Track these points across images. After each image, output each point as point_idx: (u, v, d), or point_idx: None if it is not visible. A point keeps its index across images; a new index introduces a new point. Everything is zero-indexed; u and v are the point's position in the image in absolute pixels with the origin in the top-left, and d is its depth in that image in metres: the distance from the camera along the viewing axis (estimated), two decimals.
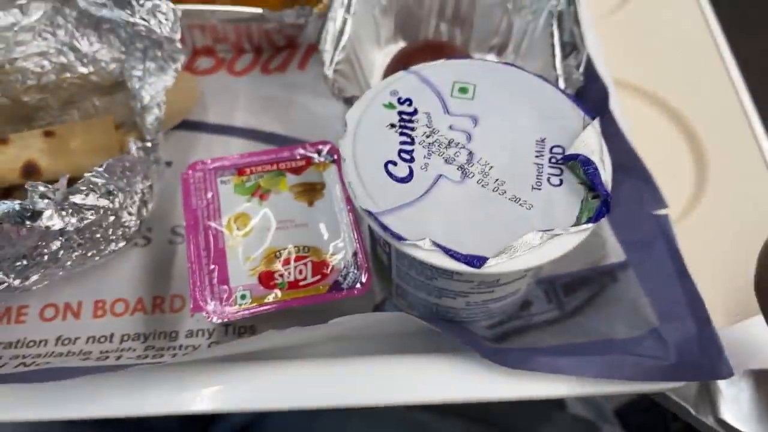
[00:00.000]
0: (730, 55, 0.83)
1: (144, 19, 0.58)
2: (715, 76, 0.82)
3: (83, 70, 0.63)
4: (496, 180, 0.51)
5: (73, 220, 0.47)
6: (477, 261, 0.46)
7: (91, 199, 0.48)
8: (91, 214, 0.48)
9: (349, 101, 0.64)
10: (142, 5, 0.59)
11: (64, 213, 0.46)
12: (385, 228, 0.47)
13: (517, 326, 0.59)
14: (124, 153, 0.65)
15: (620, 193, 0.61)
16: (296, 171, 0.62)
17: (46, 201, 0.45)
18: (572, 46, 0.68)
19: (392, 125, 0.53)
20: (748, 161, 0.75)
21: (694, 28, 0.87)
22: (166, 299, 0.61)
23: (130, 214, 0.56)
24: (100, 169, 0.52)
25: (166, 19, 0.59)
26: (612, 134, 0.65)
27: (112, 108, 0.68)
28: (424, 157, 0.51)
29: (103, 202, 0.49)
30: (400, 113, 0.54)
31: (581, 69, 0.64)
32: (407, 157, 0.51)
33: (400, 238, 0.47)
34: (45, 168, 0.60)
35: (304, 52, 0.81)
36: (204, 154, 0.71)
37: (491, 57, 0.81)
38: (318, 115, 0.75)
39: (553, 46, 0.69)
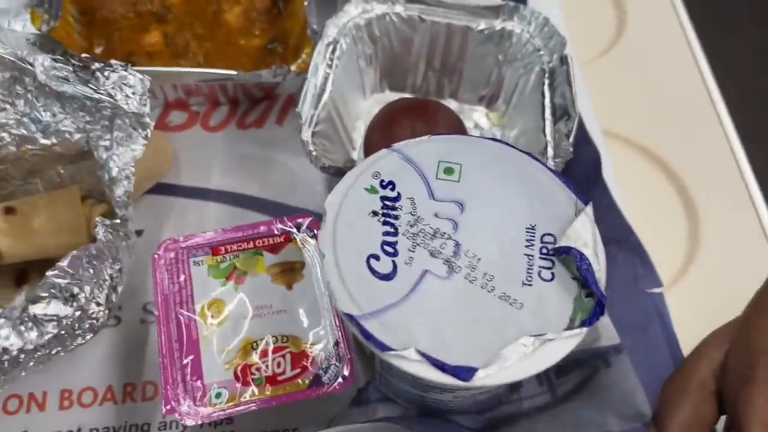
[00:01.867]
0: (724, 107, 0.82)
1: (110, 95, 0.56)
2: (708, 129, 0.81)
3: (45, 141, 0.61)
4: (485, 275, 0.49)
5: (33, 335, 0.44)
6: (465, 373, 0.45)
7: (53, 308, 0.46)
8: (53, 327, 0.46)
9: (326, 170, 0.62)
10: (107, 77, 0.57)
11: (23, 328, 0.44)
12: (368, 336, 0.46)
13: (507, 413, 0.58)
14: (91, 230, 0.63)
15: (614, 269, 0.60)
16: (274, 249, 0.60)
17: (1, 320, 0.43)
18: (563, 110, 0.66)
19: (374, 213, 0.52)
20: (742, 221, 0.74)
21: (686, 73, 0.86)
22: (137, 386, 0.59)
23: (98, 304, 0.54)
24: (64, 264, 0.50)
25: (134, 93, 0.57)
26: (605, 205, 0.63)
27: (78, 176, 0.66)
28: (409, 249, 0.50)
29: (67, 311, 0.46)
30: (383, 198, 0.52)
31: (572, 138, 0.62)
32: (391, 250, 0.50)
33: (384, 347, 0.45)
34: (5, 252, 0.58)
35: (282, 104, 0.79)
36: (177, 221, 0.69)
37: (480, 108, 0.79)
38: (297, 174, 0.73)
39: (543, 106, 0.68)
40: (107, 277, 0.55)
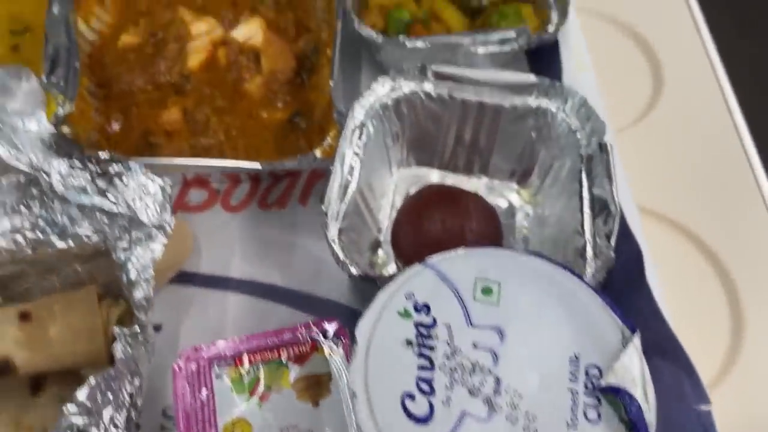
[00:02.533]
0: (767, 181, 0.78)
1: (129, 206, 0.53)
2: (752, 208, 0.77)
3: (62, 244, 0.59)
4: (527, 414, 0.47)
5: None
6: None
7: None
8: None
9: (355, 278, 0.59)
10: (126, 184, 0.55)
11: None
12: None
13: None
14: (108, 334, 0.61)
15: (659, 383, 0.57)
16: (300, 360, 0.58)
17: None
18: (602, 204, 0.63)
19: (409, 342, 0.49)
20: None
21: (727, 145, 0.82)
22: None
23: (116, 426, 0.51)
24: (83, 398, 0.48)
25: (154, 201, 0.54)
26: (649, 312, 0.60)
27: (96, 271, 0.63)
28: (446, 387, 0.47)
29: None
30: (418, 325, 0.50)
31: (613, 241, 0.59)
32: (427, 388, 0.47)
33: None
34: (21, 366, 0.56)
35: (305, 181, 0.76)
36: (198, 315, 0.67)
37: (512, 184, 0.76)
38: (322, 260, 0.70)
39: (581, 198, 0.65)
40: (127, 397, 0.53)
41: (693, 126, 0.84)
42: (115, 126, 0.74)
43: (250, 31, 0.82)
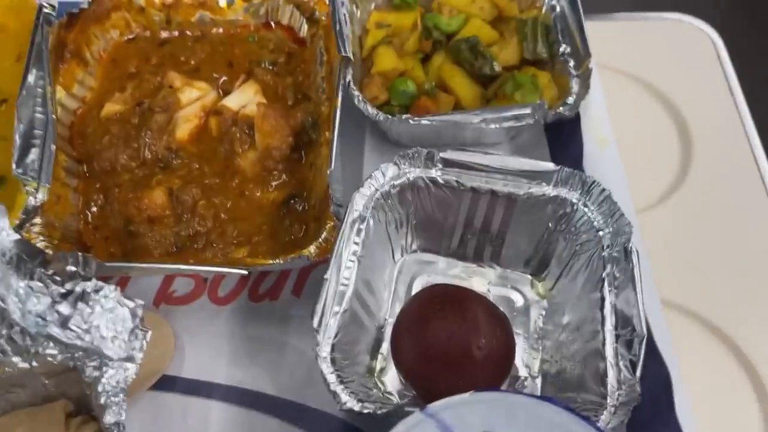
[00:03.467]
0: None
1: (93, 337, 0.48)
2: None
3: (24, 365, 0.53)
4: None
5: None
6: None
7: None
8: None
9: (351, 413, 0.53)
10: (92, 310, 0.49)
11: None
12: None
13: None
14: None
15: None
16: None
17: None
18: (626, 321, 0.57)
19: None
20: None
21: (761, 224, 0.76)
22: None
23: None
24: None
25: (123, 329, 0.49)
26: None
27: (65, 387, 0.58)
28: None
29: None
30: None
31: (638, 372, 0.53)
32: None
33: None
34: None
35: (299, 271, 0.70)
36: (177, 425, 0.61)
37: (526, 274, 0.70)
38: (315, 364, 0.64)
39: (602, 313, 0.58)
40: None
41: (723, 206, 0.77)
42: (93, 209, 0.68)
43: (245, 98, 0.76)
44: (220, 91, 0.78)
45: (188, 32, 0.82)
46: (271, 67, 0.79)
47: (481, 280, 0.71)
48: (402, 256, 0.71)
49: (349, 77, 0.71)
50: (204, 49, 0.81)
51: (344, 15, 0.74)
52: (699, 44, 0.92)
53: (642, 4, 1.06)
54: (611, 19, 0.97)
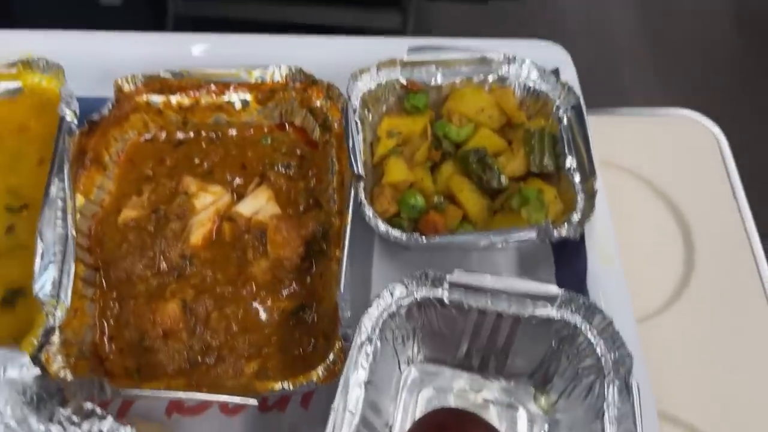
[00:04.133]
0: None
1: None
2: None
3: None
4: None
5: None
6: None
7: None
8: None
9: None
10: None
11: None
12: None
13: None
14: None
15: None
16: None
17: None
18: None
19: None
20: None
21: (759, 333, 0.77)
22: None
23: None
24: None
25: None
26: None
27: None
28: None
29: None
30: None
31: None
32: None
33: None
34: None
35: None
36: None
37: (530, 387, 0.72)
38: None
39: None
40: None
41: (724, 315, 0.79)
42: (110, 320, 0.70)
43: (257, 204, 0.78)
44: (234, 195, 0.81)
45: (203, 133, 0.85)
46: (284, 170, 0.82)
47: (485, 393, 0.72)
48: (408, 365, 0.73)
49: (360, 195, 0.73)
50: (218, 151, 0.83)
51: (356, 126, 0.76)
52: (703, 142, 0.95)
53: (642, 99, 1.08)
54: (616, 114, 1.00)
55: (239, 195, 0.81)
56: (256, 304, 0.73)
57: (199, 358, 0.69)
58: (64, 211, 0.70)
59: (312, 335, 0.71)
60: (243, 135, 0.85)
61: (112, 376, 0.68)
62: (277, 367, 0.69)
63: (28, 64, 0.81)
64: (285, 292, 0.74)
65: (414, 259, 0.81)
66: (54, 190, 0.71)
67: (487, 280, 0.67)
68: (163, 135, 0.85)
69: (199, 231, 0.77)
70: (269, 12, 1.77)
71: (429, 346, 0.72)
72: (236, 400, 0.61)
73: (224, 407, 0.71)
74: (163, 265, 0.74)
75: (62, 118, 0.76)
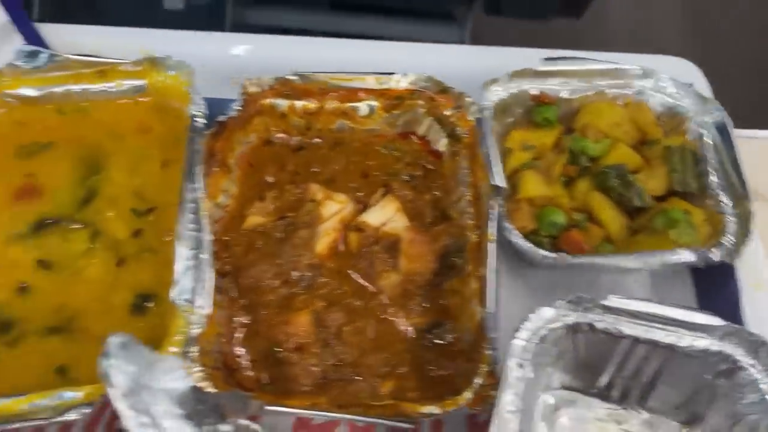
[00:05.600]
0: None
1: None
2: None
3: None
4: None
5: None
6: None
7: None
8: None
9: None
10: None
11: None
12: None
13: None
14: None
15: None
16: None
17: None
18: None
19: None
20: None
21: None
22: None
23: None
24: None
25: None
26: None
27: None
28: None
29: None
30: None
31: None
32: None
33: None
34: None
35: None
36: None
37: (674, 423, 0.67)
38: None
39: None
40: None
41: None
42: (240, 334, 0.68)
43: (385, 215, 0.75)
44: (357, 204, 0.78)
45: (323, 138, 0.83)
46: (408, 180, 0.79)
47: (626, 426, 0.68)
48: (545, 392, 0.69)
49: (501, 208, 0.69)
50: (338, 158, 0.81)
51: (493, 140, 0.73)
52: None
53: None
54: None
55: (361, 204, 0.78)
56: (387, 319, 0.70)
57: (332, 372, 0.66)
58: (198, 214, 0.68)
59: (448, 355, 0.67)
60: (364, 142, 0.83)
61: (243, 388, 0.65)
62: (414, 387, 0.66)
63: (154, 63, 0.79)
64: (415, 308, 0.71)
65: (539, 277, 0.78)
66: (189, 195, 0.68)
67: (643, 306, 0.64)
68: (284, 139, 0.82)
69: (324, 240, 0.74)
70: (326, 23, 1.75)
71: (570, 372, 0.68)
72: (390, 423, 0.57)
73: (353, 427, 0.68)
74: (292, 274, 0.71)
75: (193, 119, 0.74)
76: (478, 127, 0.76)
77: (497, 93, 0.80)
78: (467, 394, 0.61)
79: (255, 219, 0.75)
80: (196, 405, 0.52)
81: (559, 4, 1.82)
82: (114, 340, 0.47)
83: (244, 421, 0.52)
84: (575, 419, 0.69)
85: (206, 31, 0.97)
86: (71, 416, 0.57)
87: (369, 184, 0.79)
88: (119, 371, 0.47)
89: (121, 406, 0.47)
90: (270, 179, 0.79)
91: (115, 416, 0.68)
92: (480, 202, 0.73)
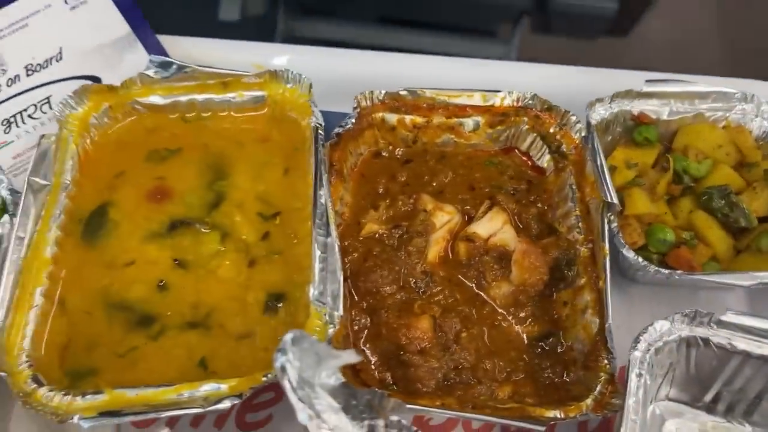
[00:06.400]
0: None
1: None
2: None
3: None
4: None
5: None
6: None
7: None
8: None
9: None
10: None
11: None
12: None
13: None
14: None
15: None
16: None
17: None
18: None
19: None
20: None
21: None
22: None
23: None
24: None
25: None
26: None
27: None
28: None
29: None
30: None
31: None
32: None
33: None
34: None
35: None
36: None
37: None
38: None
39: None
40: None
41: None
42: (362, 332, 0.71)
43: (493, 226, 0.78)
44: (464, 217, 0.81)
45: (428, 152, 0.86)
46: (512, 194, 0.82)
47: None
48: (652, 403, 0.71)
49: (614, 224, 0.72)
50: (445, 171, 0.84)
51: (603, 158, 0.76)
52: None
53: None
54: None
55: (466, 215, 0.81)
56: (500, 327, 0.73)
57: (453, 376, 0.69)
58: (326, 217, 0.71)
59: (562, 365, 0.70)
60: (468, 156, 0.86)
61: (366, 387, 0.68)
62: (530, 393, 0.68)
63: (274, 75, 0.83)
64: (525, 318, 0.74)
65: (638, 290, 0.81)
66: (322, 200, 0.72)
67: (760, 323, 0.66)
68: (391, 151, 0.86)
69: (434, 249, 0.77)
70: (374, 36, 1.78)
71: (678, 385, 0.71)
72: (524, 425, 0.60)
73: (469, 429, 0.70)
74: (411, 280, 0.74)
75: (316, 129, 0.77)
76: (585, 145, 0.79)
77: (599, 113, 0.83)
78: (588, 401, 0.64)
79: (371, 227, 0.78)
80: (349, 400, 0.55)
81: (606, 23, 1.84)
82: (289, 336, 0.51)
83: (395, 418, 0.55)
84: (682, 430, 0.71)
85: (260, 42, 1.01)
86: (225, 404, 0.60)
87: (474, 197, 0.82)
88: (292, 366, 0.51)
89: (293, 398, 0.51)
90: (380, 189, 0.83)
91: (244, 410, 0.73)
92: (590, 217, 0.75)
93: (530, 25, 1.89)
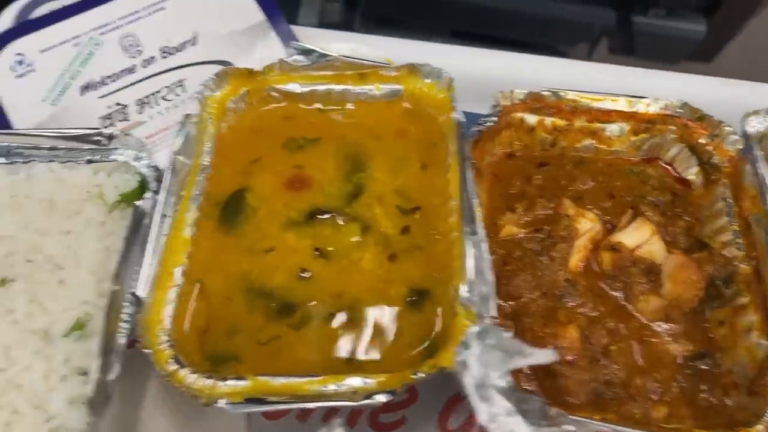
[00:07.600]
0: None
1: None
2: None
3: None
4: None
5: None
6: None
7: None
8: None
9: None
10: None
11: None
12: None
13: None
14: None
15: None
16: None
17: None
18: None
19: None
20: None
21: None
22: None
23: None
24: None
25: None
26: None
27: None
28: None
29: None
30: None
31: None
32: None
33: None
34: None
35: None
36: None
37: None
38: None
39: None
40: None
41: None
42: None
43: (640, 237, 0.74)
44: (605, 225, 0.77)
45: (565, 156, 0.83)
46: (656, 205, 0.78)
47: None
48: None
49: None
50: (584, 176, 0.80)
51: (766, 171, 0.72)
52: None
53: None
54: None
55: (608, 224, 0.78)
56: (649, 343, 0.69)
57: (603, 391, 0.66)
58: (473, 218, 0.68)
59: (720, 386, 0.66)
60: (608, 163, 0.82)
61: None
62: (686, 415, 0.64)
63: (412, 69, 0.81)
64: (676, 335, 0.69)
65: None
66: (464, 197, 0.70)
67: None
68: (526, 153, 0.83)
69: (576, 257, 0.74)
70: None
71: None
72: None
73: None
74: (551, 288, 0.71)
75: (459, 126, 0.75)
76: (743, 157, 0.75)
77: (754, 125, 0.79)
78: (759, 427, 0.59)
79: (511, 229, 0.75)
80: (520, 404, 0.52)
81: (691, 47, 1.78)
82: (475, 330, 0.48)
83: (569, 427, 0.51)
84: None
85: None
86: (379, 399, 0.57)
87: (614, 206, 0.79)
88: (476, 362, 0.48)
89: (474, 397, 0.48)
90: (514, 191, 0.80)
91: (378, 409, 0.70)
92: (750, 232, 0.71)
93: (608, 46, 1.84)
